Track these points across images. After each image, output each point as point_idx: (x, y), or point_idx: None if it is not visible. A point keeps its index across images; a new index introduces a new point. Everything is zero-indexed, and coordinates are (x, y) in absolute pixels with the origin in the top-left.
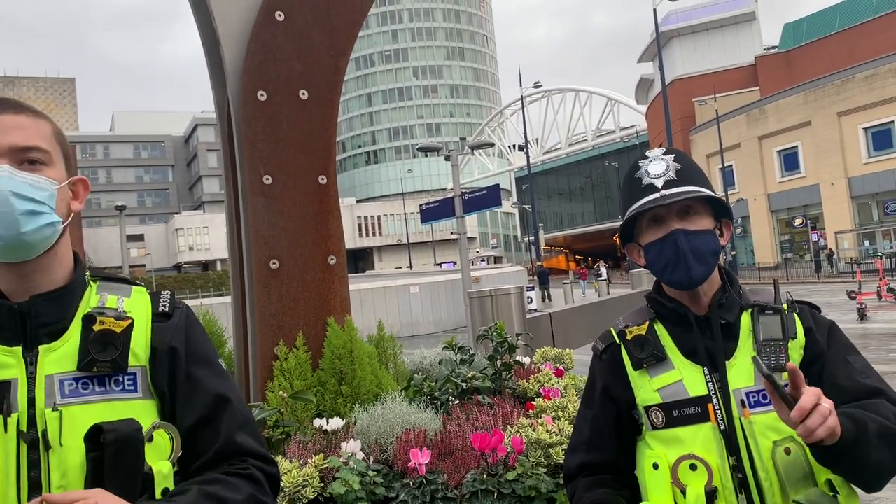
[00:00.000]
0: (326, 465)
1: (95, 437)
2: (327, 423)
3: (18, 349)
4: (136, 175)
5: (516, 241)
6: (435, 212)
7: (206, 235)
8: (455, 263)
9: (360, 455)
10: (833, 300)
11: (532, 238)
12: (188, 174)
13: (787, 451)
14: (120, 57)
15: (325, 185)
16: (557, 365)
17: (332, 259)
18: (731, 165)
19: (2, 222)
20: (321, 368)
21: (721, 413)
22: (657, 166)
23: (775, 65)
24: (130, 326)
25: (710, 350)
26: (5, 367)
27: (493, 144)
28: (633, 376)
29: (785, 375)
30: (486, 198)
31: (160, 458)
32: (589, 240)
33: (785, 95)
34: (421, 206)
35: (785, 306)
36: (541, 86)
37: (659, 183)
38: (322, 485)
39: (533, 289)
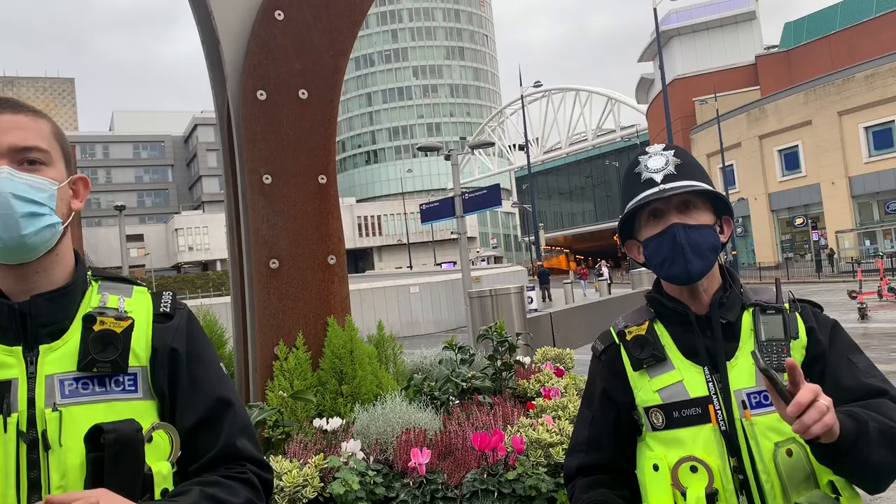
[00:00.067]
0: (326, 465)
1: (95, 437)
2: (327, 422)
3: (19, 349)
4: (135, 175)
5: (516, 241)
6: (435, 212)
7: (205, 235)
8: (455, 263)
9: (360, 455)
10: (834, 300)
11: (532, 238)
12: (188, 174)
13: (789, 453)
14: (119, 57)
15: (324, 184)
16: (558, 364)
17: (332, 259)
18: (732, 165)
19: (2, 225)
20: (321, 368)
21: (722, 414)
22: (657, 161)
23: (776, 64)
24: (131, 327)
25: (711, 350)
26: (5, 366)
27: (493, 144)
28: (633, 377)
29: (787, 376)
30: (486, 197)
31: (159, 459)
32: (589, 239)
33: (785, 95)
34: (421, 205)
35: (787, 305)
36: (541, 85)
37: (658, 177)
38: (322, 485)
39: (533, 288)
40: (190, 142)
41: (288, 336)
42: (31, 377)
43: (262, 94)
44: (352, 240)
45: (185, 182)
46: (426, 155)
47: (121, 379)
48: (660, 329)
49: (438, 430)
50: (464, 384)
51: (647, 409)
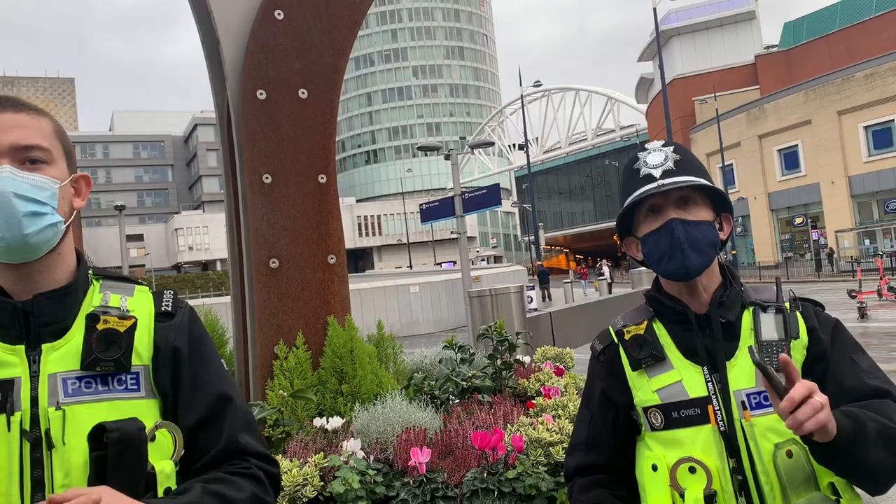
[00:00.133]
0: (326, 464)
1: (99, 436)
2: (327, 421)
3: (21, 348)
4: (135, 175)
5: (516, 241)
6: (435, 211)
7: (205, 235)
8: (455, 263)
9: (361, 454)
10: (833, 299)
11: (532, 237)
12: (188, 174)
13: (789, 454)
14: (119, 57)
15: (324, 184)
16: (558, 364)
17: (331, 258)
18: (732, 164)
19: (5, 224)
20: (321, 367)
21: (721, 414)
22: (656, 157)
23: (775, 63)
24: (134, 326)
25: (711, 350)
26: (8, 365)
27: (492, 144)
28: (632, 377)
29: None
30: (485, 197)
31: (163, 458)
32: (589, 239)
33: (785, 94)
34: (421, 205)
35: (787, 305)
36: (541, 85)
37: (657, 173)
38: (322, 484)
39: (533, 288)
40: (190, 142)
41: (288, 335)
42: (34, 376)
43: (261, 94)
44: (352, 239)
45: (185, 182)
46: (426, 155)
47: (123, 378)
48: (659, 328)
49: (438, 429)
50: (464, 383)
51: (645, 410)
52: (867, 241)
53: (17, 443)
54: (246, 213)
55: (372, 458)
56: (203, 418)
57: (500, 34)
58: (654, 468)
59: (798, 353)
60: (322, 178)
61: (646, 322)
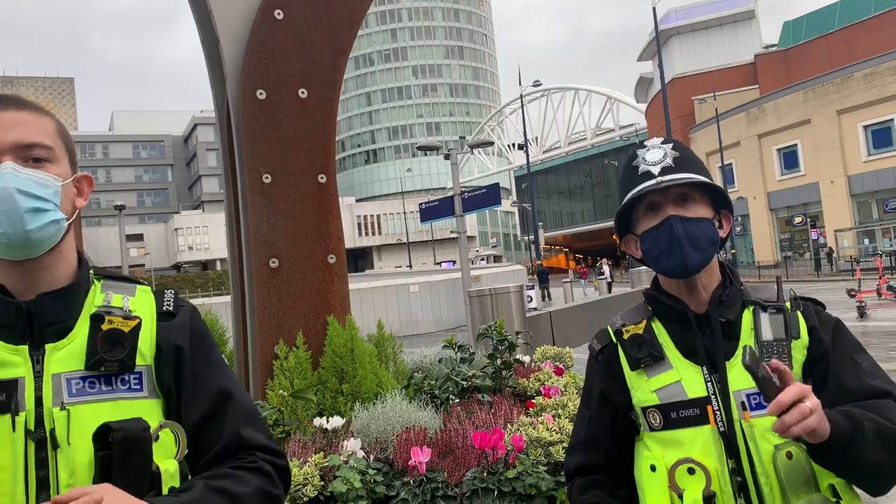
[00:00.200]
0: (327, 464)
1: (103, 436)
2: (327, 421)
3: (25, 348)
4: (135, 175)
5: (516, 240)
6: (434, 211)
7: (205, 235)
8: (455, 262)
9: (361, 453)
10: (833, 298)
11: (532, 237)
12: (187, 174)
13: (789, 455)
14: (119, 57)
15: (324, 183)
16: (557, 363)
17: (331, 258)
18: (731, 164)
19: (7, 220)
20: (321, 367)
21: (721, 415)
22: (655, 154)
23: (775, 63)
24: (138, 326)
25: (710, 349)
26: (12, 365)
27: (492, 143)
28: (630, 377)
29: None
30: (485, 196)
31: (166, 458)
32: (589, 239)
33: (784, 94)
34: (420, 205)
35: (788, 304)
36: (540, 84)
37: (656, 170)
38: (322, 483)
39: (533, 287)
40: (189, 141)
41: (288, 335)
42: (38, 376)
43: (261, 94)
44: (351, 239)
45: (184, 181)
46: (425, 154)
47: (126, 378)
48: (658, 327)
49: (438, 428)
50: (464, 383)
51: (644, 410)
52: (866, 241)
53: (21, 443)
54: (246, 213)
55: (372, 457)
56: (205, 416)
57: (499, 34)
58: (653, 469)
59: (799, 353)
60: (322, 177)
61: (645, 321)
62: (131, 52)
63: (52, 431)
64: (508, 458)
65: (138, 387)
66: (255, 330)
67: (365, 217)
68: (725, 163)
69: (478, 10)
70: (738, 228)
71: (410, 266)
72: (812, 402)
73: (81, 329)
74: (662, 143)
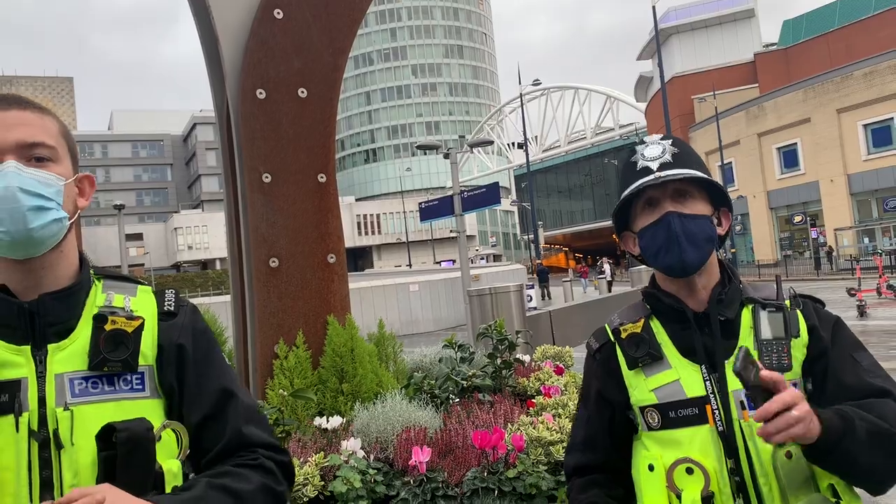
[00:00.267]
0: (327, 464)
1: (107, 436)
2: (327, 421)
3: (27, 348)
4: (134, 174)
5: (515, 240)
6: (434, 210)
7: (205, 234)
8: (454, 262)
9: (361, 453)
10: (833, 297)
11: (531, 236)
12: (187, 173)
13: (789, 455)
14: (119, 56)
15: (324, 183)
16: (557, 362)
17: (331, 257)
18: (731, 163)
19: (10, 218)
20: (321, 367)
21: (720, 414)
22: (653, 150)
23: (774, 62)
24: (141, 326)
25: (709, 348)
26: (15, 366)
27: (492, 142)
28: (628, 376)
29: (788, 375)
30: (485, 196)
31: (169, 457)
32: (588, 238)
33: (784, 92)
34: (420, 204)
35: (788, 302)
36: (540, 83)
37: (654, 166)
38: (322, 483)
39: (532, 287)
40: (189, 140)
41: (288, 335)
42: (41, 376)
43: (261, 93)
44: (351, 238)
45: (184, 181)
46: (425, 153)
47: (129, 378)
48: (656, 326)
49: (438, 428)
50: (464, 382)
51: (642, 409)
52: (866, 240)
53: (25, 443)
54: (245, 213)
55: (372, 457)
56: (206, 415)
57: (499, 33)
58: (651, 468)
59: (798, 351)
60: (321, 176)
61: (643, 320)
62: (131, 52)
63: (56, 432)
64: (509, 458)
65: (140, 387)
66: (255, 329)
67: (364, 216)
68: (725, 162)
69: (477, 8)
70: (737, 227)
71: (410, 265)
72: (800, 410)
73: (83, 329)
74: (661, 139)
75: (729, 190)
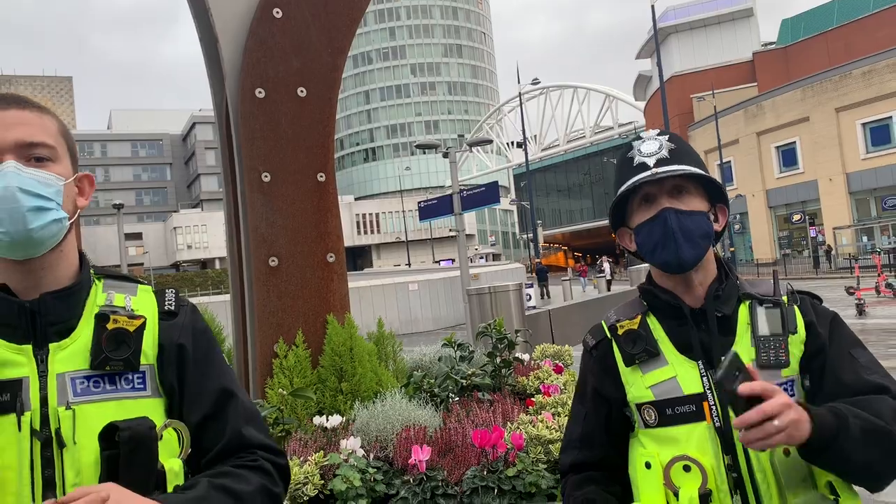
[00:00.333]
0: (327, 463)
1: (109, 435)
2: (327, 420)
3: (29, 347)
4: (133, 173)
5: (515, 239)
6: (433, 209)
7: (204, 234)
8: (454, 261)
9: (360, 452)
10: (831, 296)
11: (531, 235)
12: (186, 172)
13: (787, 452)
14: (119, 56)
15: (323, 182)
16: (557, 361)
17: (331, 256)
18: (730, 162)
19: (9, 218)
20: (321, 366)
21: (717, 411)
22: (650, 146)
23: (773, 61)
24: (143, 325)
25: (706, 344)
26: (17, 365)
27: (491, 141)
28: (625, 373)
29: (785, 372)
30: (484, 195)
31: (171, 456)
32: (587, 237)
33: (783, 91)
34: (419, 203)
35: (785, 298)
36: (539, 82)
37: (651, 161)
38: (322, 482)
39: (532, 285)
40: (188, 140)
41: (287, 334)
42: (43, 375)
43: (260, 92)
44: (350, 238)
45: (183, 180)
46: (424, 153)
47: (130, 377)
48: (653, 323)
49: (438, 427)
50: (463, 381)
51: (639, 406)
52: (865, 238)
53: (27, 442)
54: (245, 212)
55: (372, 456)
56: (206, 415)
57: (498, 32)
58: (648, 466)
59: (796, 347)
60: (321, 176)
61: (639, 316)
62: (131, 52)
63: (58, 431)
64: (508, 457)
65: (142, 386)
66: (255, 328)
67: (364, 215)
68: (724, 160)
69: (476, 8)
70: (736, 227)
71: (409, 264)
72: (782, 420)
73: (85, 328)
74: (658, 134)
75: (728, 189)
